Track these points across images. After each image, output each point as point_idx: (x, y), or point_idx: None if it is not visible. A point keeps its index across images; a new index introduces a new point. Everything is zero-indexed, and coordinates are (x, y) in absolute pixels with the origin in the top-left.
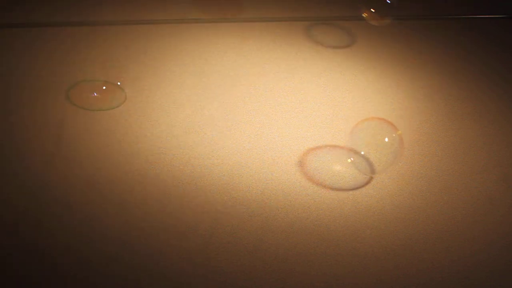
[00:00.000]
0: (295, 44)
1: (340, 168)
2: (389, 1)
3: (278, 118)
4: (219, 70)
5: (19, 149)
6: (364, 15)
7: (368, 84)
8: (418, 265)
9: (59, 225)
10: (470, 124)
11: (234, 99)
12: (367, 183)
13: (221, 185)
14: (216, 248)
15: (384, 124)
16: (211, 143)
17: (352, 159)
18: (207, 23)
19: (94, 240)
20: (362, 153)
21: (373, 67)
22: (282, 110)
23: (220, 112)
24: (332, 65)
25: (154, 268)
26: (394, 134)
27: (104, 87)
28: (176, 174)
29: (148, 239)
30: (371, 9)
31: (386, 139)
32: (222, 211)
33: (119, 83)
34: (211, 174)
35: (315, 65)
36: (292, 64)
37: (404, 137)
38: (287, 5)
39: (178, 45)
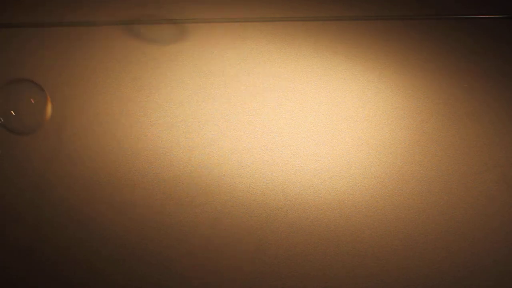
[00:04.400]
0: (295, 44)
1: None
2: None
3: (278, 118)
4: (219, 70)
5: (19, 149)
6: None
7: (368, 84)
8: (418, 265)
9: (59, 226)
10: (470, 124)
11: (234, 99)
12: None
13: (221, 185)
14: (216, 248)
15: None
16: (211, 143)
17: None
18: (207, 23)
19: (94, 241)
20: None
21: (373, 67)
22: (282, 110)
23: (220, 112)
24: (332, 65)
25: (154, 268)
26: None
27: None
28: (176, 174)
29: (148, 240)
30: None
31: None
32: (222, 211)
33: None
34: (211, 174)
35: (315, 65)
36: (292, 64)
37: (404, 137)
38: (287, 5)
39: (178, 45)
